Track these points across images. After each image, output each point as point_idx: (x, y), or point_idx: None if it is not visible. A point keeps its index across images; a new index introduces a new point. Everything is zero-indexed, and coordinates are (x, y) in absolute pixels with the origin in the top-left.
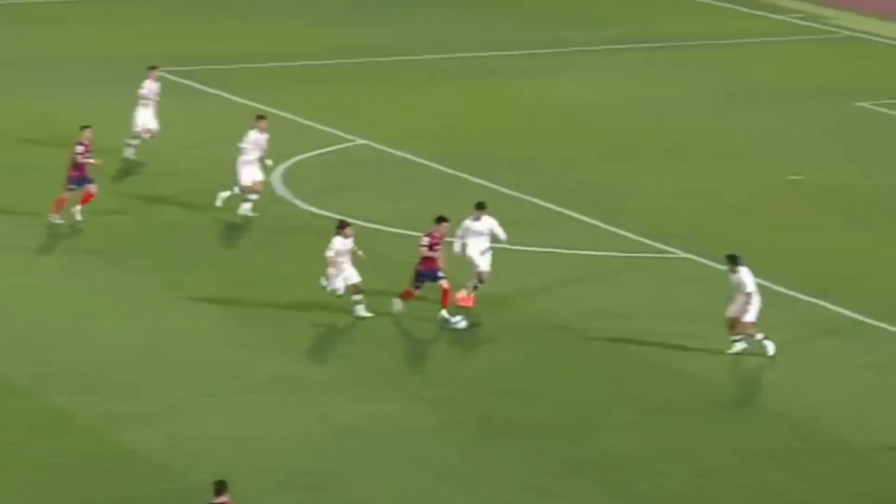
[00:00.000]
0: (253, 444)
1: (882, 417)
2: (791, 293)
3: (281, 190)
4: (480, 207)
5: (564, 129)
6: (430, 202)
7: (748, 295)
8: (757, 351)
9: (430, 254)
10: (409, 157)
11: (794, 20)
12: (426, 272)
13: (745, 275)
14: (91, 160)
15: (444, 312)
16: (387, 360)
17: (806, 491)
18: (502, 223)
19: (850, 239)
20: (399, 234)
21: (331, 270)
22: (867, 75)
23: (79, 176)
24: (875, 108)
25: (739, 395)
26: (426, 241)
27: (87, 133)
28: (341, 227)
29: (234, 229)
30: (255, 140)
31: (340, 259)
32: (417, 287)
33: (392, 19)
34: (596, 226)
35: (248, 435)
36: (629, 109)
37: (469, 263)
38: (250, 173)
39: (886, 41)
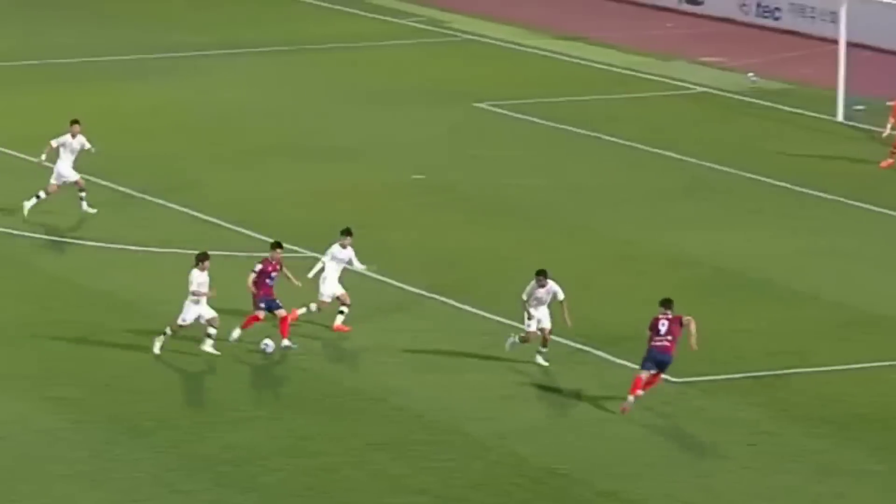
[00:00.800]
0: None
1: (494, 409)
2: (412, 290)
3: None
4: (348, 234)
5: (179, 131)
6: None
7: (562, 302)
8: (389, 344)
9: (269, 282)
10: (29, 158)
11: (413, 24)
12: (266, 299)
13: (554, 285)
14: None
15: (286, 342)
16: (11, 360)
17: (427, 481)
18: (124, 222)
19: (469, 237)
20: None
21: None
22: (485, 77)
23: None
24: (492, 108)
25: (360, 389)
26: (259, 267)
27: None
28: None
29: None
30: (67, 142)
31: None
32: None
33: (5, 24)
34: (219, 225)
35: None
36: (249, 113)
37: (320, 288)
38: (66, 174)
39: (503, 44)
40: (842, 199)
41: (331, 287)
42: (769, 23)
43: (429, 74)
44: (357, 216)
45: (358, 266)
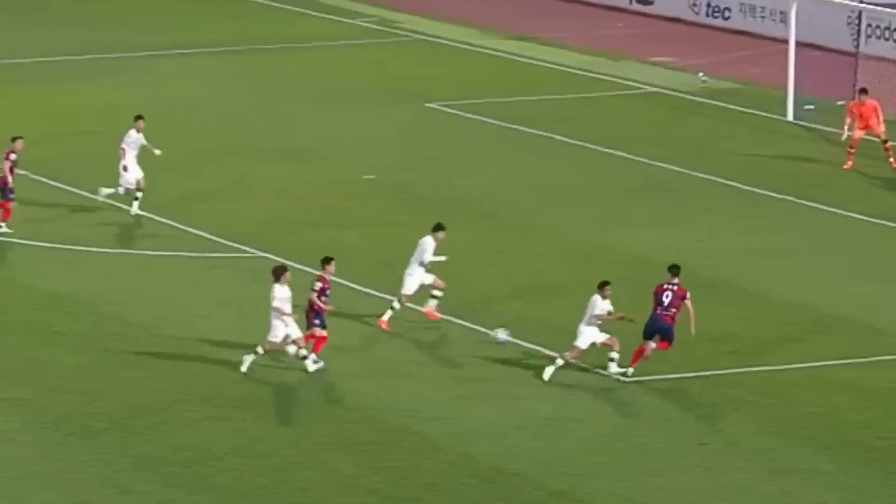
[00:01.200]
0: None
1: (446, 409)
2: (364, 290)
3: None
4: (441, 228)
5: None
6: None
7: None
8: (341, 345)
9: (324, 298)
10: None
11: (364, 24)
12: (321, 316)
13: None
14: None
15: (315, 357)
16: None
17: (378, 482)
18: (73, 222)
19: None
20: None
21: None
22: (436, 77)
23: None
24: (443, 108)
25: (311, 390)
26: (320, 286)
27: (19, 144)
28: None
29: None
30: (135, 139)
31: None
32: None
33: None
34: (171, 226)
35: None
36: (200, 113)
37: (404, 282)
38: (136, 173)
39: (454, 44)
40: (792, 199)
41: (416, 280)
42: (719, 23)
43: (380, 74)
44: (308, 216)
45: (431, 258)
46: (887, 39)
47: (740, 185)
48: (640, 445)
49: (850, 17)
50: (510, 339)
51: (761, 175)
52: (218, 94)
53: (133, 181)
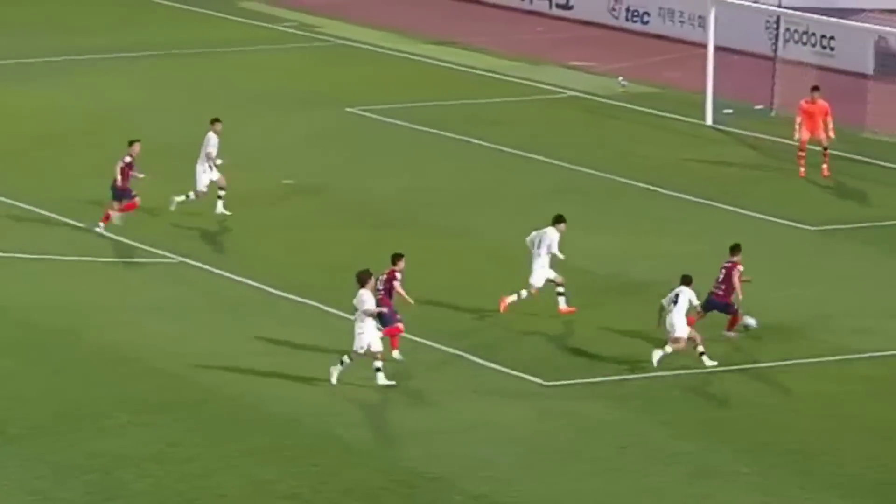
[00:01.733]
0: None
1: (366, 414)
2: (281, 294)
3: None
4: (562, 220)
5: (53, 135)
6: None
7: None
8: (260, 350)
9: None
10: None
11: (283, 28)
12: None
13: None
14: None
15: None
16: None
17: (298, 486)
18: None
19: (338, 241)
20: None
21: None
22: (356, 81)
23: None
24: (363, 113)
25: (232, 394)
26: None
27: (137, 147)
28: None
29: None
30: (215, 143)
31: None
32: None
33: None
34: (89, 231)
35: None
36: (119, 118)
37: (534, 275)
38: (209, 175)
39: (374, 48)
40: (711, 203)
41: (543, 273)
42: (638, 27)
43: (299, 79)
44: (227, 220)
45: (556, 250)
46: (805, 44)
47: (659, 189)
48: (562, 449)
49: (768, 21)
50: (756, 325)
51: (680, 179)
52: (135, 99)
53: (205, 184)
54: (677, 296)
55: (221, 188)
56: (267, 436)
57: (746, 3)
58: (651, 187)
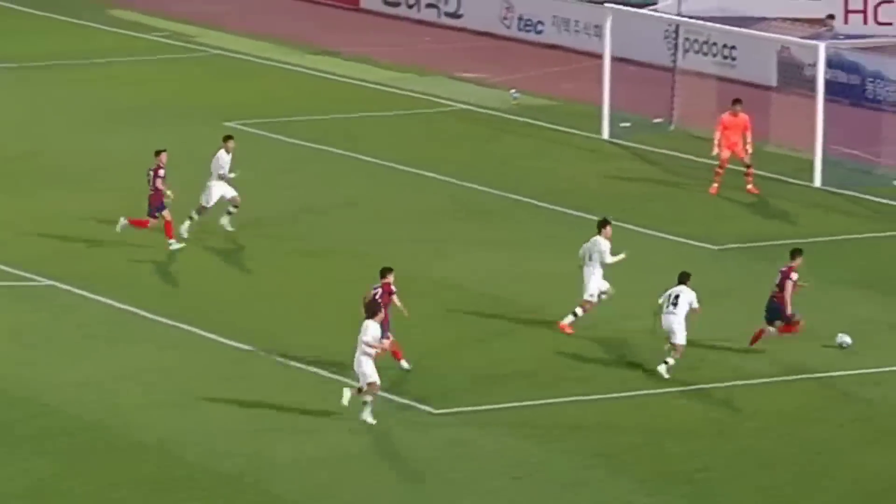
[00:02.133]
0: None
1: (246, 444)
2: (154, 317)
3: None
4: (607, 224)
5: None
6: None
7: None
8: (135, 377)
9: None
10: None
11: (157, 38)
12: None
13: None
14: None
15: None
16: None
17: None
18: None
19: (213, 262)
20: None
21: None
22: (235, 94)
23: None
24: (243, 127)
25: (104, 425)
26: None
27: (164, 157)
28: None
29: None
30: (226, 161)
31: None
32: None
33: None
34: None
35: None
36: None
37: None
38: (220, 191)
39: (254, 59)
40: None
41: (597, 284)
42: (531, 37)
43: (175, 92)
44: (96, 241)
45: (609, 258)
46: (706, 54)
47: (553, 207)
48: (450, 480)
49: (667, 30)
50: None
51: (575, 195)
52: (6, 111)
53: (213, 201)
54: (677, 297)
55: (235, 206)
56: (141, 468)
57: (644, 12)
58: (544, 205)
